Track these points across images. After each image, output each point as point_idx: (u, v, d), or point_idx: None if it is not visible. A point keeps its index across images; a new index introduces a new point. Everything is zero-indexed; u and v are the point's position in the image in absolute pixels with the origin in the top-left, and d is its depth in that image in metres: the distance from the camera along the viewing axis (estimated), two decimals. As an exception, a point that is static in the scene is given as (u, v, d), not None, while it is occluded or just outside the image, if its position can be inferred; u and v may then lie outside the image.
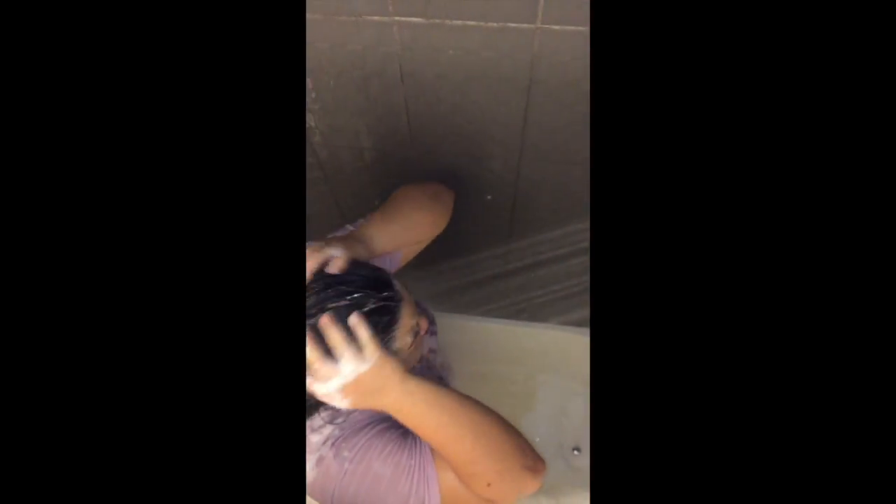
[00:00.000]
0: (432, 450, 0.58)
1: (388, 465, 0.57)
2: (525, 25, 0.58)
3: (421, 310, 0.66)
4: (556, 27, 0.57)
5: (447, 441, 0.54)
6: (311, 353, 0.50)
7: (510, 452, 0.56)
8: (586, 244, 0.96)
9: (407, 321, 0.58)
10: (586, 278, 1.06)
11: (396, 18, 0.59)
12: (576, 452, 1.48)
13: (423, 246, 0.78)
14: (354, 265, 0.56)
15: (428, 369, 0.78)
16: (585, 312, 1.22)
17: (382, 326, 0.55)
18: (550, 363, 1.50)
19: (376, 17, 0.60)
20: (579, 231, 0.93)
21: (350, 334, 0.51)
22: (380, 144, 0.81)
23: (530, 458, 0.57)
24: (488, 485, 0.55)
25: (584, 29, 0.57)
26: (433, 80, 0.67)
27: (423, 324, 0.63)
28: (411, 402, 0.53)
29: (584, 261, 1.01)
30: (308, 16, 0.60)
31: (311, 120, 0.78)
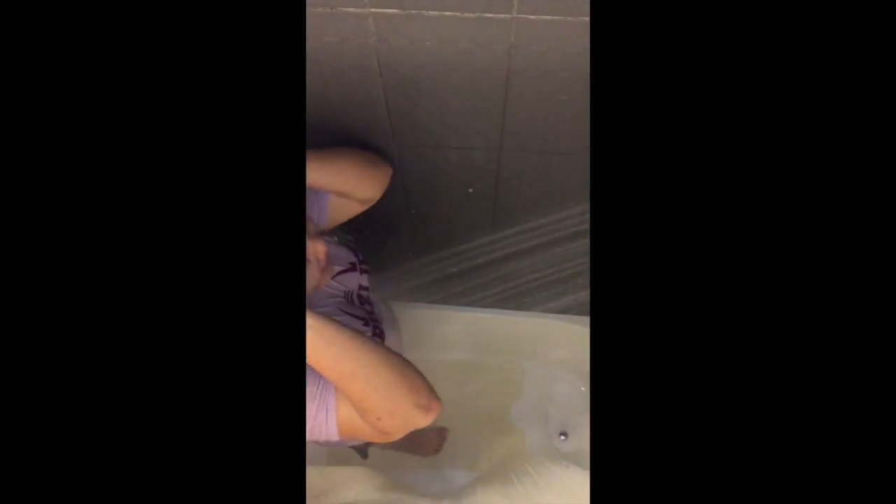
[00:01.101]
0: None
1: None
2: (501, 16, 0.58)
3: (329, 242, 0.67)
4: (533, 17, 0.57)
5: (341, 377, 0.58)
6: None
7: (401, 392, 0.59)
8: (568, 232, 0.97)
9: None
10: (569, 266, 1.07)
11: (372, 10, 0.59)
12: (563, 437, 1.51)
13: (352, 207, 0.79)
14: None
15: (360, 308, 0.79)
16: (569, 300, 1.23)
17: None
18: (536, 351, 1.52)
19: (352, 9, 0.59)
20: (561, 220, 0.94)
21: None
22: (359, 137, 0.80)
23: (424, 397, 0.61)
24: (378, 419, 0.59)
25: (560, 18, 0.57)
26: (411, 71, 0.67)
27: (321, 249, 0.64)
28: (310, 336, 0.55)
29: (567, 249, 1.02)
30: (283, 8, 0.60)
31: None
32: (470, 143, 0.79)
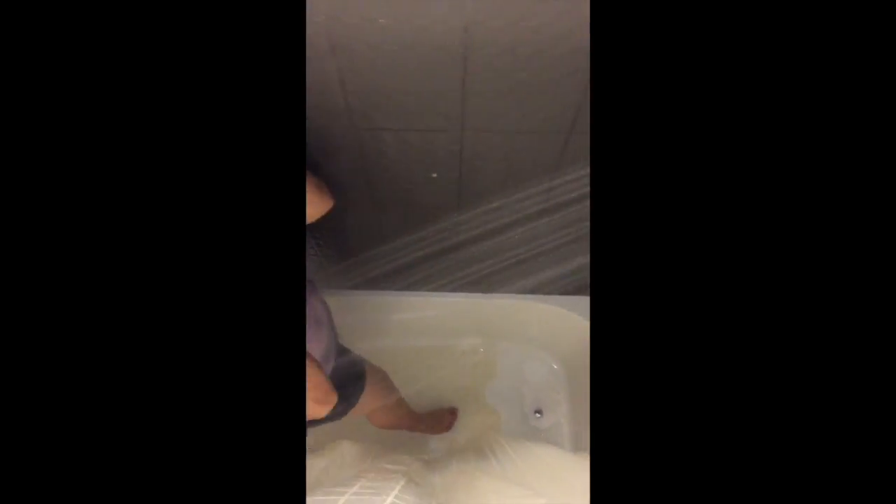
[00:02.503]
0: None
1: None
2: (456, -10, 0.56)
3: None
4: (488, -10, 0.56)
5: None
6: None
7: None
8: (533, 210, 0.97)
9: None
10: (535, 245, 1.07)
11: (321, -14, 0.56)
12: (538, 415, 1.53)
13: None
14: None
15: None
16: (538, 279, 1.24)
17: None
18: (508, 331, 1.53)
19: (299, -14, 0.56)
20: (525, 198, 0.94)
21: None
22: (317, 121, 0.78)
23: (321, 392, 0.67)
24: None
25: (516, -9, 0.56)
26: (366, 51, 0.64)
27: None
28: None
29: (532, 227, 1.02)
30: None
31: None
32: (431, 124, 0.77)
